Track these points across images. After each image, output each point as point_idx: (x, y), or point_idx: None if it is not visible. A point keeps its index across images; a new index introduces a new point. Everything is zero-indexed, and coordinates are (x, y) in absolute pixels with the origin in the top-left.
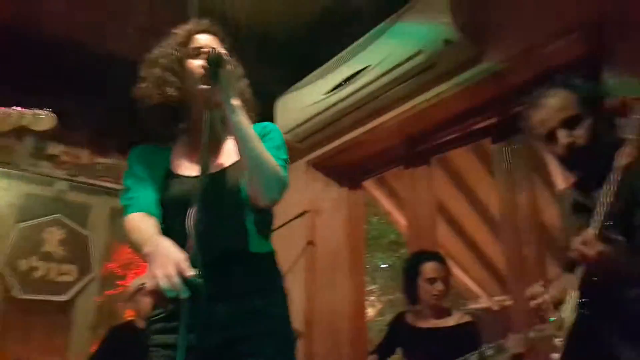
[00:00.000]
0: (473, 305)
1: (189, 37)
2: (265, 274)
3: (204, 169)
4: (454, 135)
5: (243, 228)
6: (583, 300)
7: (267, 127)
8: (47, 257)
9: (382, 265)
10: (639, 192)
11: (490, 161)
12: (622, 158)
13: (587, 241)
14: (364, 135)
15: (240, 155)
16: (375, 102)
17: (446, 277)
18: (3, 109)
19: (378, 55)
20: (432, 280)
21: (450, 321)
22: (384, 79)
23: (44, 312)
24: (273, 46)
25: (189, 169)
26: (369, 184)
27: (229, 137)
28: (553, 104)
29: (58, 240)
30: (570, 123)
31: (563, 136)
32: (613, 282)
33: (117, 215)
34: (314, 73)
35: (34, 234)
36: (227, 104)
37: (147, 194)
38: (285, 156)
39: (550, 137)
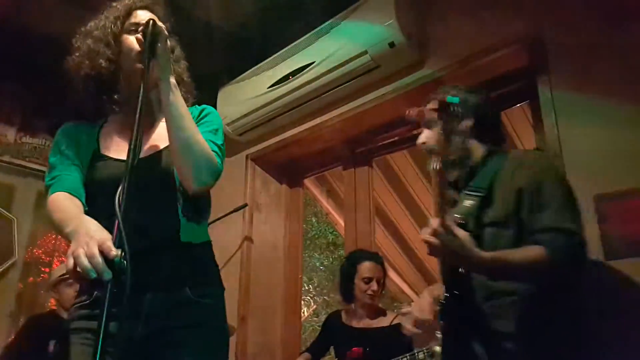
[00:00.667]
0: (407, 309)
1: (129, 12)
2: (198, 264)
3: (134, 152)
4: (394, 138)
5: (174, 216)
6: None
7: (205, 109)
8: None
9: (320, 267)
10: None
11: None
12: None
13: (432, 231)
14: (305, 133)
15: (170, 136)
16: (318, 100)
17: (382, 277)
18: None
19: (323, 53)
20: (367, 280)
21: (384, 322)
22: (329, 77)
23: None
24: (220, 35)
25: (118, 150)
26: (309, 183)
27: (163, 119)
28: (430, 101)
29: None
30: (428, 123)
31: (421, 136)
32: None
33: (44, 199)
34: (259, 65)
35: None
36: (164, 81)
37: (72, 174)
38: (221, 141)
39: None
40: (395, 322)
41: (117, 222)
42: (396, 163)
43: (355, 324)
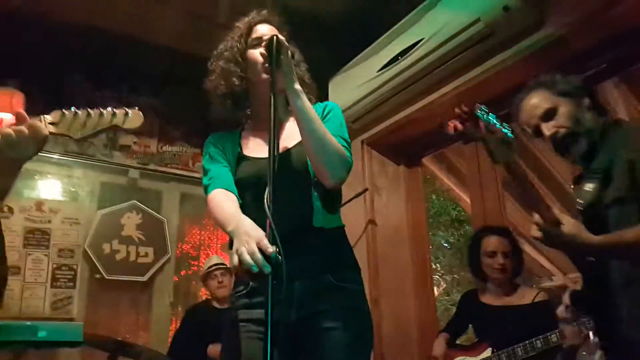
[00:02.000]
0: (547, 283)
1: (250, 28)
2: (336, 249)
3: (274, 151)
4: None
5: (310, 205)
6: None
7: (328, 106)
8: (127, 240)
9: (445, 244)
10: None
11: None
12: None
13: (534, 226)
14: (419, 112)
15: (304, 139)
16: (430, 77)
17: (508, 251)
18: (94, 110)
19: (432, 27)
20: (492, 254)
21: (524, 299)
22: (440, 51)
23: (128, 291)
24: (324, 26)
25: (257, 150)
26: (427, 161)
27: (290, 119)
28: (529, 104)
29: (135, 224)
30: (548, 116)
31: (546, 129)
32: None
33: (187, 199)
34: (366, 51)
35: (114, 219)
36: (290, 89)
37: (225, 173)
38: (347, 135)
39: (538, 133)
40: (538, 299)
41: (268, 221)
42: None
43: (493, 301)
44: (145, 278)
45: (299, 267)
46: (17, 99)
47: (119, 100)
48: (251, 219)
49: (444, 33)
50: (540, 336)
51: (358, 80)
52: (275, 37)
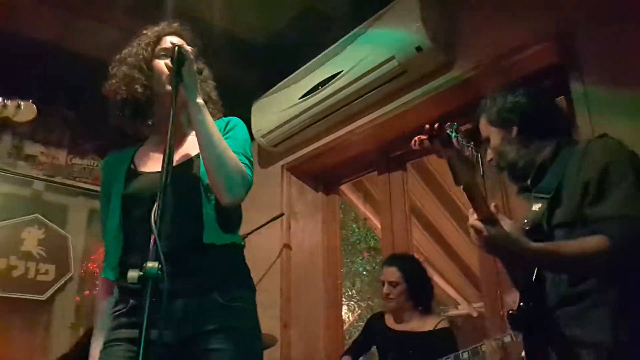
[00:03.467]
0: (453, 312)
1: (159, 38)
2: (227, 267)
3: (168, 164)
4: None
5: (201, 220)
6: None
7: (232, 121)
8: (27, 256)
9: (362, 272)
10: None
11: None
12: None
13: (471, 226)
14: (338, 140)
15: (203, 154)
16: (349, 107)
17: (395, 281)
18: None
19: (351, 61)
20: (383, 283)
21: (427, 326)
22: (357, 84)
23: (24, 310)
24: (250, 50)
25: (152, 165)
26: (347, 189)
27: (193, 133)
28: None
29: (37, 239)
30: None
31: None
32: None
33: (95, 216)
34: (289, 77)
35: (13, 233)
36: (191, 102)
37: (112, 232)
38: (249, 153)
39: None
40: (439, 326)
41: (153, 237)
42: (433, 165)
43: (397, 327)
44: (44, 297)
45: (184, 285)
46: None
47: None
48: (138, 234)
49: (362, 67)
50: (452, 355)
51: (280, 106)
52: (179, 48)
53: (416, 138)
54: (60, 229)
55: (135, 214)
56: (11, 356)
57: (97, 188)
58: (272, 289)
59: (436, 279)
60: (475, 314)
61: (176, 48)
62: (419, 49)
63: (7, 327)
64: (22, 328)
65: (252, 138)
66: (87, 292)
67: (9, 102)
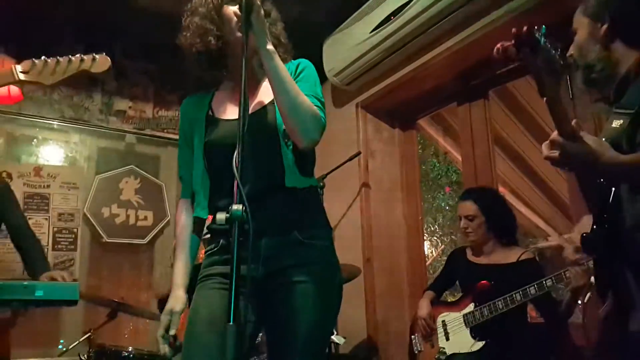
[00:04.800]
0: (542, 244)
1: None
2: (305, 207)
3: (244, 113)
4: (511, 66)
5: (282, 164)
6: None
7: (301, 64)
8: (126, 204)
9: (445, 206)
10: None
11: None
12: None
13: (550, 143)
14: (413, 73)
15: (277, 100)
16: (423, 37)
17: (473, 215)
18: (63, 57)
19: None
20: (460, 218)
21: (511, 257)
22: (431, 11)
23: (129, 253)
24: None
25: (230, 112)
26: (425, 123)
27: (266, 79)
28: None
29: (134, 189)
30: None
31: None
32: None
33: None
34: (358, 11)
35: (112, 184)
36: (262, 49)
37: (189, 169)
38: (320, 94)
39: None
40: (522, 257)
41: (235, 182)
42: (518, 91)
43: (480, 260)
44: (145, 241)
45: (267, 225)
46: (8, 67)
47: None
48: (224, 178)
49: None
50: (520, 289)
51: (351, 42)
52: None
53: (499, 45)
54: (154, 178)
55: (219, 159)
56: (121, 293)
57: None
58: (354, 226)
59: (523, 210)
60: (566, 245)
61: None
62: None
63: (115, 269)
64: (129, 269)
65: (324, 77)
66: None
67: (85, 56)
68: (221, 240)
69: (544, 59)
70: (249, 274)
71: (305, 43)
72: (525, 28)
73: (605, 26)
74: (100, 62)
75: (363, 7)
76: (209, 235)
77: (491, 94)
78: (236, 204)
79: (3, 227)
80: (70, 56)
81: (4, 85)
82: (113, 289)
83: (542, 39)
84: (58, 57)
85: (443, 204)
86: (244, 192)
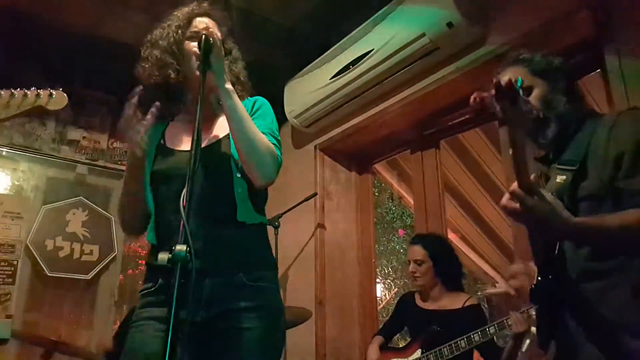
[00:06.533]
0: (490, 290)
1: (189, 19)
2: (253, 245)
3: (196, 145)
4: (462, 118)
5: (233, 199)
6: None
7: (258, 101)
8: (72, 237)
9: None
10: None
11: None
12: None
13: (510, 193)
14: (370, 119)
15: (235, 139)
16: (380, 86)
17: (420, 259)
18: (18, 90)
19: (382, 39)
20: (409, 262)
21: (457, 303)
22: (389, 63)
23: (71, 289)
24: (280, 32)
25: (183, 143)
26: (381, 168)
27: (222, 114)
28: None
29: (81, 221)
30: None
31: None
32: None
33: None
34: (321, 58)
35: (59, 215)
36: (220, 88)
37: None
38: (277, 132)
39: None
40: (467, 304)
41: (182, 221)
42: (469, 142)
43: (427, 305)
44: (89, 276)
45: (211, 265)
46: None
47: (71, 95)
48: (167, 209)
49: (392, 45)
50: (464, 336)
51: (312, 86)
52: (205, 36)
53: (476, 95)
54: (103, 211)
55: (165, 190)
56: (60, 331)
57: None
58: (307, 267)
59: (472, 256)
60: (512, 292)
61: (203, 36)
62: (450, 24)
63: (56, 305)
64: (70, 306)
65: (285, 119)
66: (129, 271)
67: (41, 91)
68: (159, 280)
69: (519, 111)
70: (189, 318)
71: (267, 84)
72: (506, 80)
73: (565, 83)
74: (57, 99)
75: (325, 54)
76: (145, 269)
77: (442, 144)
78: (180, 243)
79: None
80: (25, 90)
81: None
82: (52, 327)
83: (520, 91)
84: (12, 90)
85: (397, 247)
86: (190, 225)
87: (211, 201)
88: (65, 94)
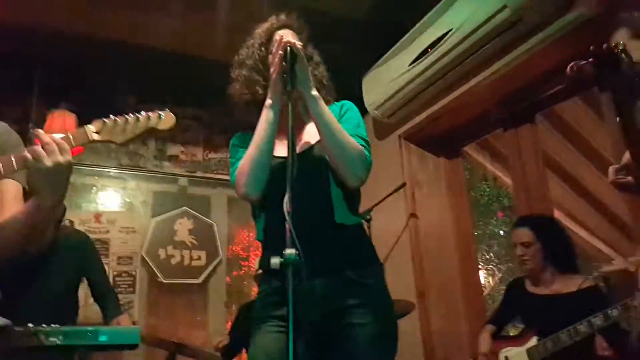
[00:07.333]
0: (606, 268)
1: (269, 35)
2: (355, 245)
3: (292, 155)
4: (556, 89)
5: (331, 202)
6: None
7: (345, 105)
8: (181, 245)
9: (499, 232)
10: None
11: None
12: None
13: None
14: (455, 102)
15: (324, 143)
16: (463, 66)
17: (527, 242)
18: (130, 115)
19: (459, 18)
20: (514, 246)
21: (571, 286)
22: (469, 41)
23: (184, 293)
24: (352, 25)
25: (278, 150)
26: (470, 149)
27: (311, 121)
28: None
29: (188, 229)
30: None
31: None
32: None
33: (234, 203)
34: (396, 46)
35: (167, 226)
36: (307, 95)
37: None
38: (364, 134)
39: None
40: (584, 286)
41: (287, 226)
42: (566, 112)
43: (539, 290)
44: (199, 280)
45: (319, 265)
46: (70, 120)
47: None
48: (271, 216)
49: (471, 23)
50: (584, 320)
51: (390, 76)
52: (289, 49)
53: (573, 64)
54: (205, 218)
55: (268, 193)
56: (178, 334)
57: None
58: (403, 258)
59: (582, 234)
60: (632, 268)
61: (287, 49)
62: None
63: (171, 308)
64: (184, 309)
65: (365, 111)
66: (234, 272)
67: (151, 114)
68: (273, 281)
69: (623, 78)
70: (305, 318)
71: (345, 79)
72: (605, 46)
73: None
74: (166, 119)
75: (400, 41)
76: (260, 272)
77: (538, 117)
78: (289, 247)
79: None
80: (137, 114)
81: (78, 145)
82: (170, 330)
83: (623, 56)
84: (126, 116)
85: (496, 230)
86: (295, 231)
87: (310, 205)
88: (172, 114)
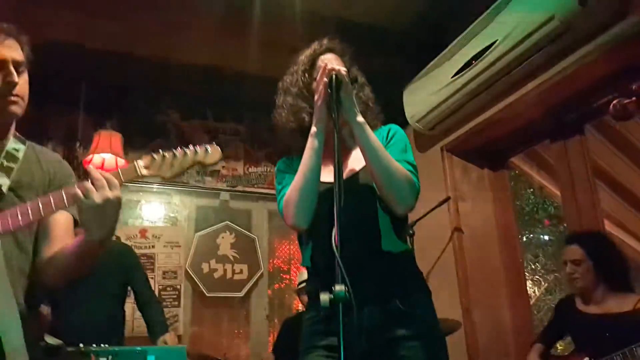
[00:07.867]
0: None
1: (313, 60)
2: (403, 273)
3: (339, 179)
4: (605, 99)
5: (378, 229)
6: None
7: (391, 130)
8: (223, 259)
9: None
10: None
11: None
12: None
13: None
14: (502, 113)
15: (370, 169)
16: (508, 77)
17: (577, 259)
18: (179, 149)
19: (505, 29)
20: (566, 263)
21: (626, 305)
22: (515, 52)
23: (227, 306)
24: (393, 38)
25: (323, 176)
26: (517, 159)
27: (356, 147)
28: None
29: (230, 243)
30: None
31: None
32: None
33: (275, 216)
34: (439, 57)
35: (210, 240)
36: (352, 122)
37: None
38: (412, 159)
39: None
40: (638, 306)
41: (336, 260)
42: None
43: (591, 309)
44: (242, 293)
45: (366, 294)
46: (116, 139)
47: (205, 129)
48: (317, 244)
49: (517, 34)
50: None
51: (433, 87)
52: (333, 76)
53: (616, 102)
54: (247, 232)
55: (316, 219)
56: (222, 347)
57: (273, 191)
58: (447, 274)
59: (634, 245)
60: None
61: (332, 76)
62: (583, 2)
63: (215, 321)
64: (228, 322)
65: (406, 123)
66: (276, 285)
67: (198, 148)
68: (321, 309)
69: None
70: (354, 349)
71: (386, 92)
72: None
73: None
74: (213, 153)
75: (442, 53)
76: (304, 285)
77: (587, 128)
78: (339, 283)
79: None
80: (184, 149)
81: (129, 181)
82: (214, 343)
83: None
84: (174, 151)
85: (543, 239)
86: (341, 255)
87: (357, 232)
88: (218, 147)
